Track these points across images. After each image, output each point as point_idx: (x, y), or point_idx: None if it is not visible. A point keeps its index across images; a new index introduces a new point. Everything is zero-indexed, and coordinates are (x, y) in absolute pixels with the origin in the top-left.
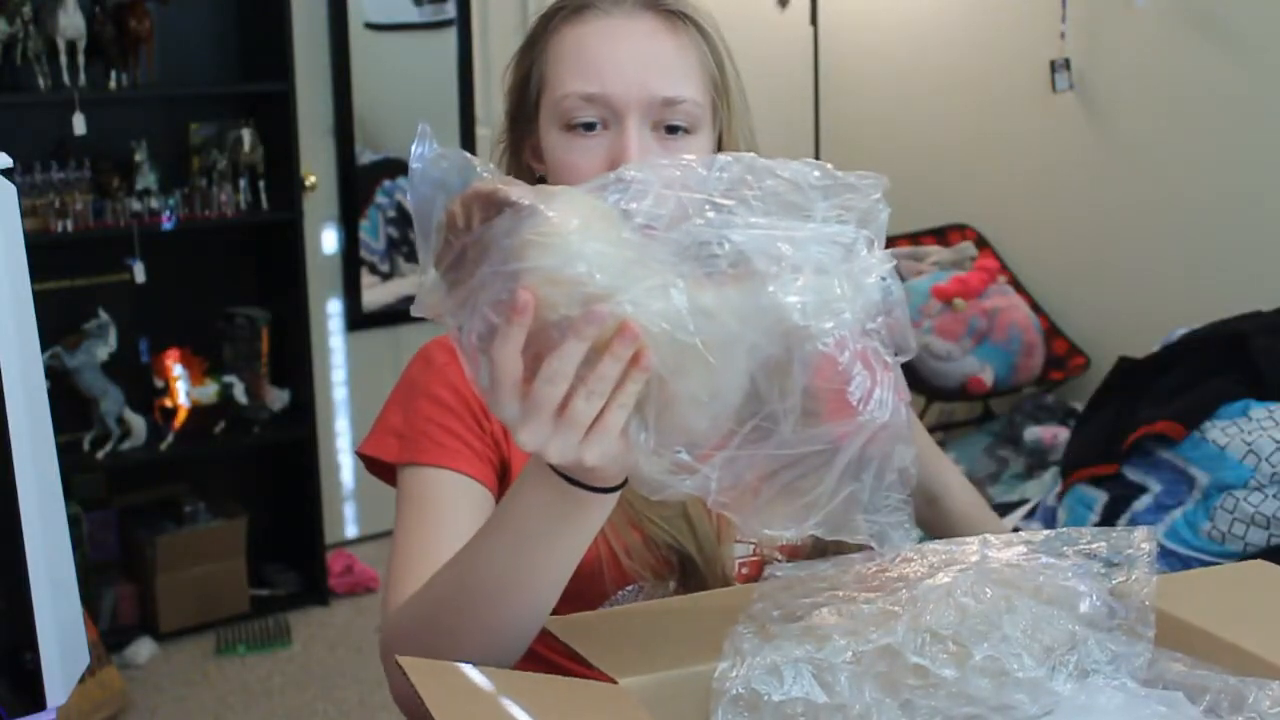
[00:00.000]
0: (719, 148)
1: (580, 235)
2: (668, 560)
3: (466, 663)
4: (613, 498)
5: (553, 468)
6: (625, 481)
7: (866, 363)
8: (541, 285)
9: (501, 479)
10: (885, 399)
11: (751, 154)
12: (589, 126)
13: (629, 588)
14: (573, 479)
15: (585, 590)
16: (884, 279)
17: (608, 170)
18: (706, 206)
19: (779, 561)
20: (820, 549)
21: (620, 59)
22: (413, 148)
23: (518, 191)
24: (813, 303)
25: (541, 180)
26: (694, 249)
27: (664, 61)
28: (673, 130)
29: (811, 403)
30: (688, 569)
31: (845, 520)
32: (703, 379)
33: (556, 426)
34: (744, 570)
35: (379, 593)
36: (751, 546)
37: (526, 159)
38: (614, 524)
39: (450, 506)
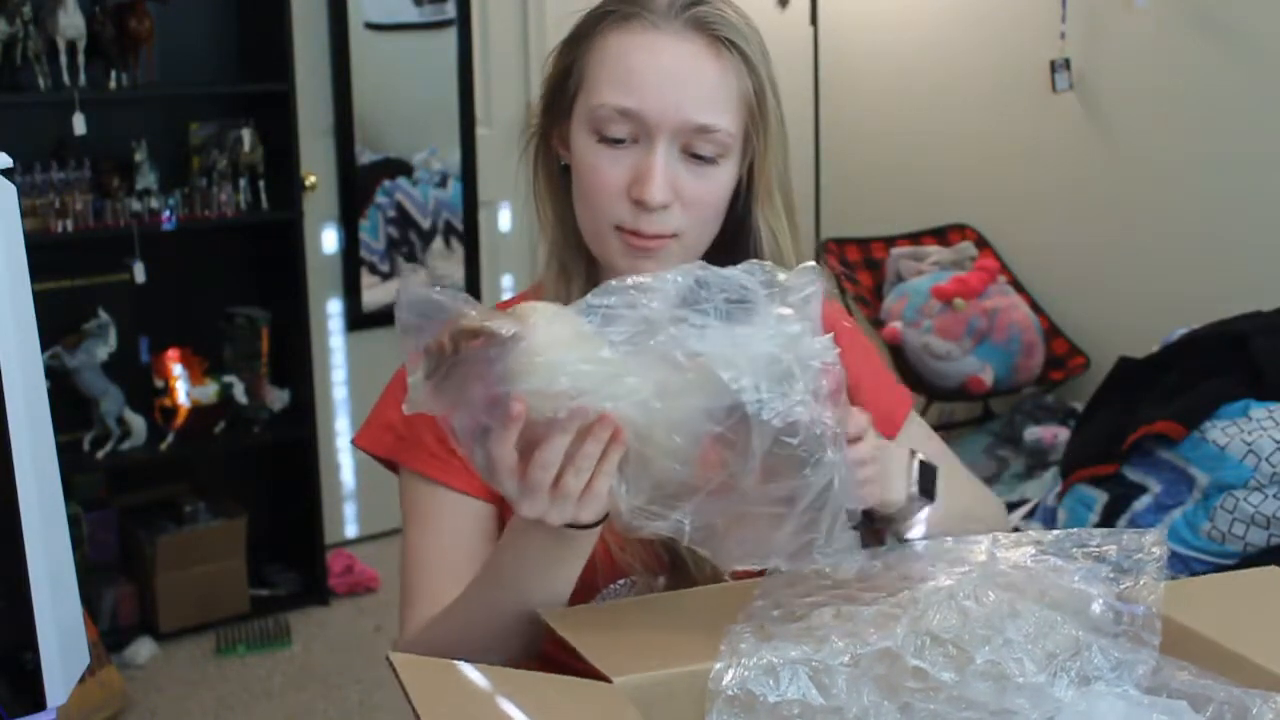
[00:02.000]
0: (749, 179)
1: (562, 357)
2: (659, 555)
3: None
4: (599, 528)
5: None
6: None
7: (814, 430)
8: (530, 398)
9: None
10: (834, 459)
11: (700, 264)
12: (618, 140)
13: (620, 581)
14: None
15: (578, 583)
16: (828, 363)
17: (631, 181)
18: (668, 321)
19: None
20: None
21: (660, 78)
22: (401, 281)
23: (500, 324)
24: (764, 385)
25: (566, 169)
26: (662, 360)
27: (704, 88)
28: (699, 157)
29: (770, 462)
30: (678, 564)
31: (803, 557)
32: (670, 450)
33: (552, 499)
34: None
35: (379, 593)
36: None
37: (555, 145)
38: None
39: (453, 528)
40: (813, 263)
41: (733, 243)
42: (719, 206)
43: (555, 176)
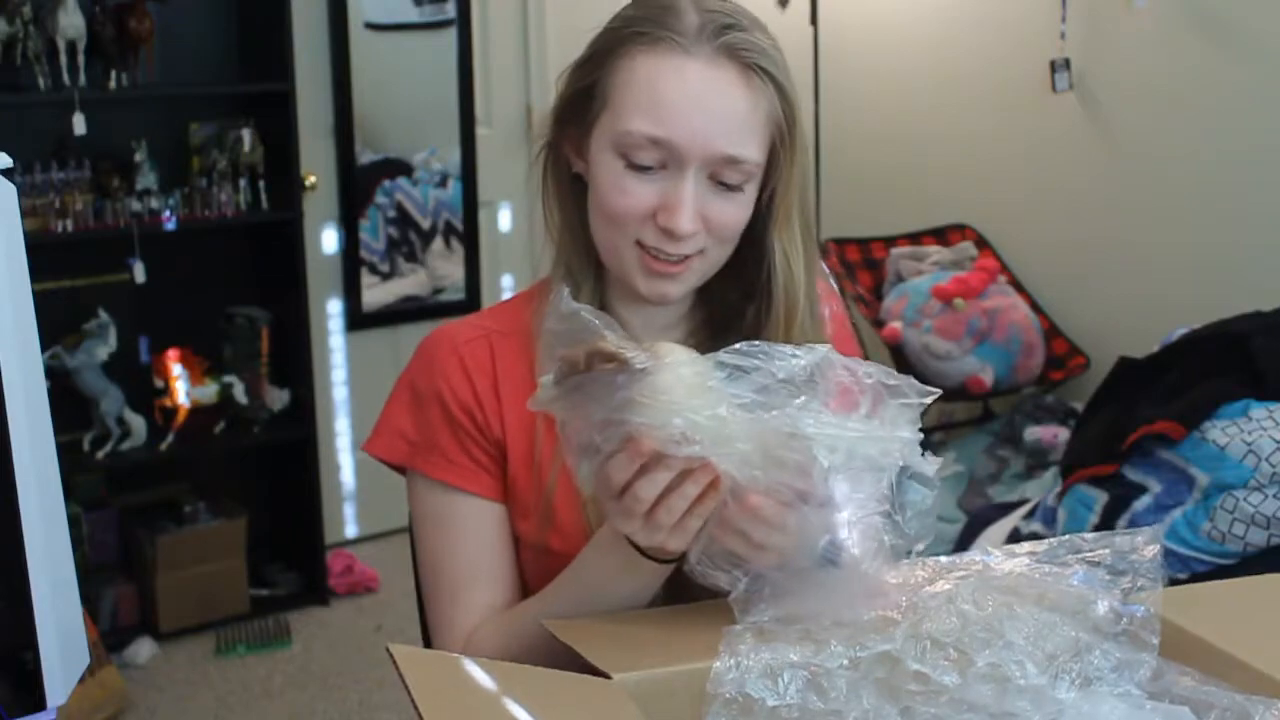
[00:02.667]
0: (773, 199)
1: (683, 402)
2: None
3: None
4: (671, 565)
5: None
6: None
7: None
8: (642, 430)
9: (502, 473)
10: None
11: (829, 348)
12: (646, 167)
13: None
14: (641, 550)
15: None
16: (926, 489)
17: (658, 207)
18: (787, 396)
19: None
20: None
21: (691, 107)
22: (556, 293)
23: (635, 355)
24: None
25: (577, 178)
26: (773, 432)
27: (734, 120)
28: (725, 185)
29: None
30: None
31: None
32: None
33: (644, 524)
34: None
35: (379, 593)
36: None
37: (566, 152)
38: (604, 520)
39: (477, 532)
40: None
41: (745, 261)
42: (740, 230)
43: (565, 183)
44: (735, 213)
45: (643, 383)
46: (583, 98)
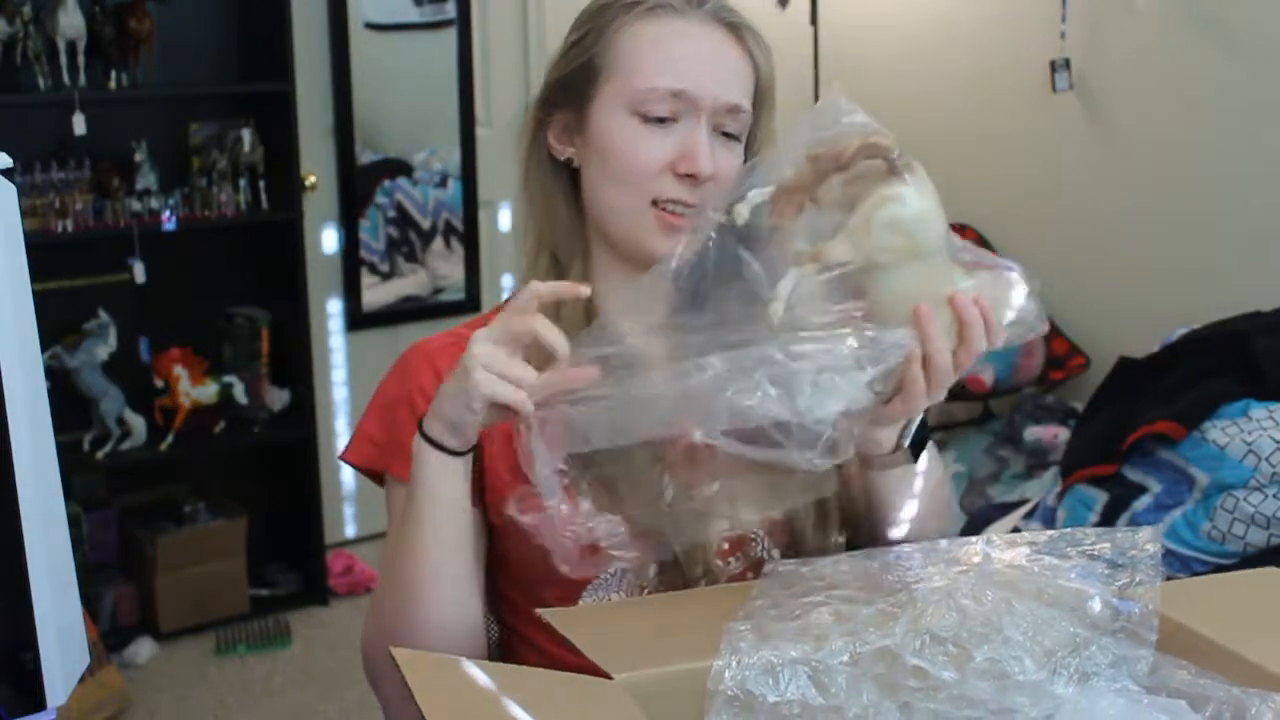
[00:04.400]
0: (749, 147)
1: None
2: (646, 541)
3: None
4: (456, 462)
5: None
6: (471, 450)
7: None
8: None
9: (478, 487)
10: None
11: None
12: (662, 119)
13: (611, 571)
14: (425, 434)
15: (569, 573)
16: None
17: (677, 157)
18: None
19: (755, 536)
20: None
21: (700, 61)
22: (828, 99)
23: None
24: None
25: (568, 163)
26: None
27: (734, 71)
28: (727, 135)
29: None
30: (664, 550)
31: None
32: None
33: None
34: (724, 546)
35: None
36: (728, 522)
37: (550, 141)
38: (596, 505)
39: None
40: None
41: None
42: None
43: (547, 169)
44: (734, 162)
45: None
46: (579, 76)
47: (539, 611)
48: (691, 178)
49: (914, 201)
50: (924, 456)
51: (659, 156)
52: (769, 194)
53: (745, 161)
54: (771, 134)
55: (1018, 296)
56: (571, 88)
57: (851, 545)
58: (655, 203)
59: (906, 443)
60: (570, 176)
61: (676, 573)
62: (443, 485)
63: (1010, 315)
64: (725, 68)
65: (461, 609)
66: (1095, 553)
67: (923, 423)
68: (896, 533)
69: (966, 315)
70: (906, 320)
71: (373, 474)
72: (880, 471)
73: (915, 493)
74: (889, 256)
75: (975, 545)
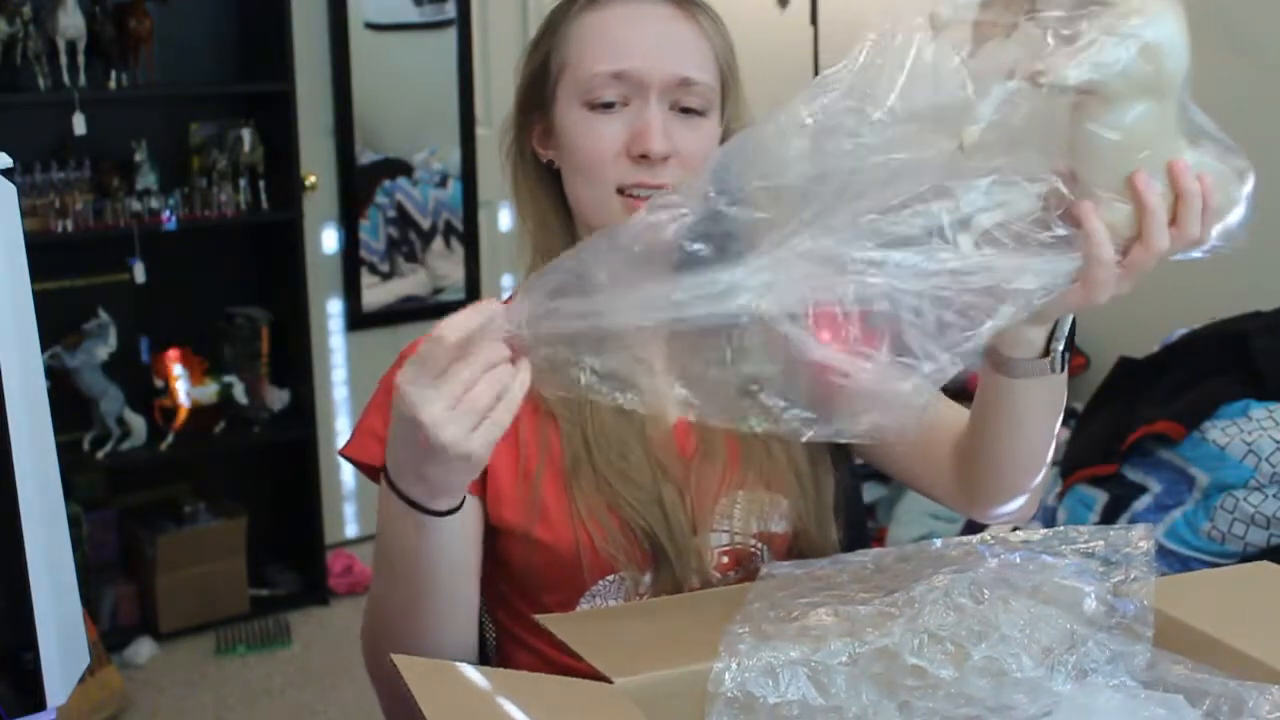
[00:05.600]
0: (725, 132)
1: None
2: (642, 547)
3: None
4: (450, 521)
5: (406, 501)
6: (458, 508)
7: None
8: None
9: (481, 481)
10: None
11: None
12: (609, 104)
13: (609, 578)
14: (423, 508)
15: (565, 580)
16: None
17: (630, 140)
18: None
19: (757, 550)
20: (800, 541)
21: (644, 39)
22: None
23: None
24: None
25: (549, 164)
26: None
27: (683, 45)
28: (687, 111)
29: None
30: (661, 558)
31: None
32: None
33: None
34: (724, 560)
35: None
36: (728, 535)
37: (531, 145)
38: (591, 509)
39: None
40: None
41: None
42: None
43: (533, 174)
44: (701, 139)
45: None
46: (540, 76)
47: (538, 616)
48: (645, 158)
49: (1169, 23)
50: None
51: (611, 142)
52: (977, 5)
53: (724, 139)
54: (740, 112)
55: (1240, 189)
56: (536, 89)
57: (966, 476)
58: (621, 190)
59: (1060, 345)
60: (555, 179)
61: (674, 587)
62: (448, 538)
63: (1231, 209)
64: (674, 44)
65: (466, 631)
66: (1089, 550)
67: (1072, 328)
68: (1031, 457)
69: (1186, 187)
70: (1116, 176)
71: (371, 470)
72: (1023, 379)
73: (1059, 409)
74: (1125, 86)
75: (971, 544)
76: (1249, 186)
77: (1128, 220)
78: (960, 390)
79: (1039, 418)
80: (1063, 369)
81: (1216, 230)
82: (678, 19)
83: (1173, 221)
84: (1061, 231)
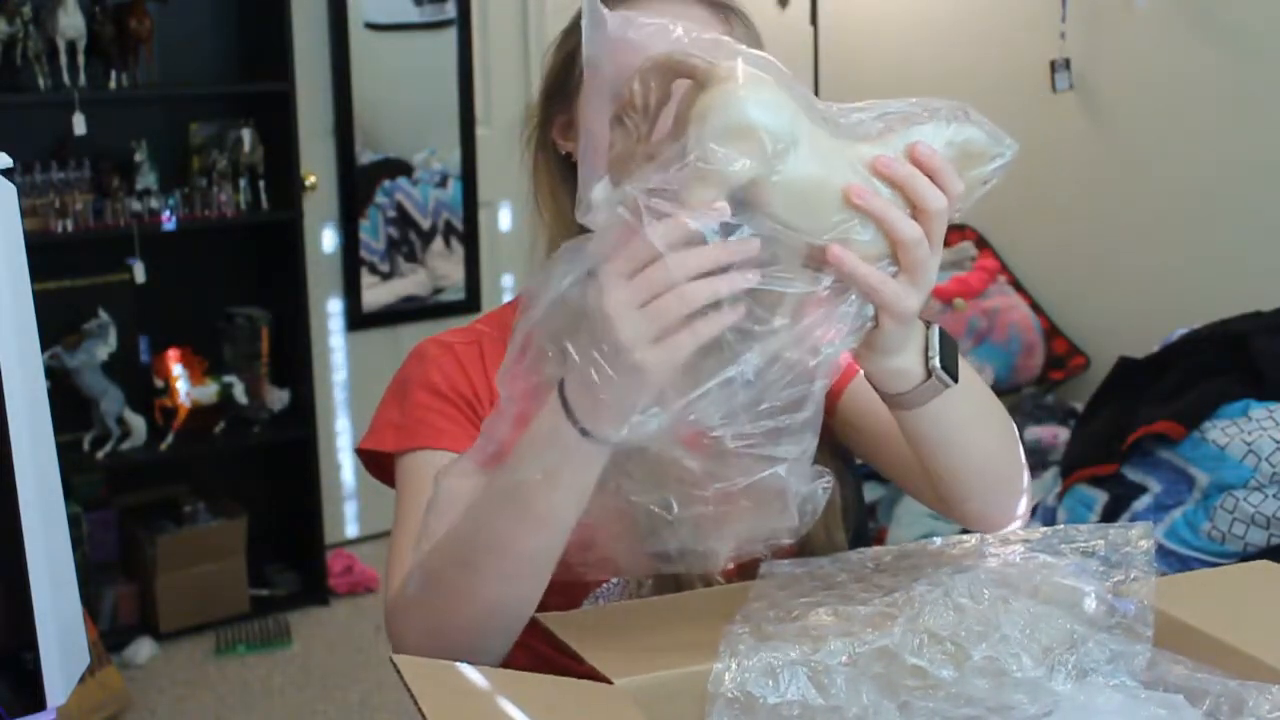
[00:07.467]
0: None
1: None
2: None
3: (465, 636)
4: (605, 452)
5: (566, 409)
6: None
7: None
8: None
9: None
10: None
11: None
12: None
13: (612, 581)
14: (579, 425)
15: (569, 582)
16: None
17: None
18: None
19: (766, 559)
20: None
21: None
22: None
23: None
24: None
25: (567, 158)
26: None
27: None
28: None
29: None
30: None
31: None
32: None
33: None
34: (729, 566)
35: (379, 593)
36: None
37: (554, 136)
38: (597, 511)
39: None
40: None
41: None
42: None
43: (553, 166)
44: None
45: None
46: (567, 67)
47: (538, 615)
48: None
49: (728, 97)
50: (963, 371)
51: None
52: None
53: None
54: None
55: (957, 131)
56: (562, 79)
57: (940, 496)
58: None
59: (936, 361)
60: (575, 171)
61: (676, 591)
62: (587, 480)
63: (969, 153)
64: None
65: (539, 591)
66: (1089, 549)
67: (946, 336)
68: (984, 471)
69: (895, 173)
70: (832, 218)
71: (380, 466)
72: (919, 410)
73: (989, 413)
74: (754, 172)
75: (971, 544)
76: (958, 121)
77: (874, 237)
78: None
79: (969, 431)
80: (955, 380)
81: (973, 171)
82: (712, 22)
83: (918, 206)
84: (828, 281)
